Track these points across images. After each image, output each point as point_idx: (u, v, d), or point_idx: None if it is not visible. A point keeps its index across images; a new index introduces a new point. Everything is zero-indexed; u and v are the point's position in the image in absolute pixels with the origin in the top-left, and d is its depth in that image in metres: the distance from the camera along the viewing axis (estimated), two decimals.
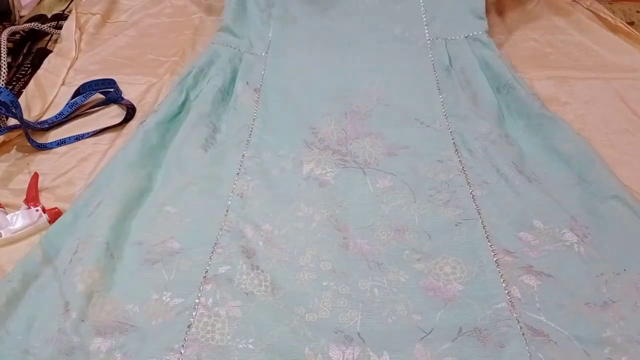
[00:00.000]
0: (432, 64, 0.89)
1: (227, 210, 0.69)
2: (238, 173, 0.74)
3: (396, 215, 0.68)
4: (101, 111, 0.88)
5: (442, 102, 0.83)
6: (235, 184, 0.73)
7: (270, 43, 0.96)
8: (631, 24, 0.99)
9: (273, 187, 0.72)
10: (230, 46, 0.94)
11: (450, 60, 0.88)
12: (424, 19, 0.94)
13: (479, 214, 0.67)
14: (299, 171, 0.74)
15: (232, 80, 0.89)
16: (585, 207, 0.66)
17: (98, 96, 0.89)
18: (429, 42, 0.92)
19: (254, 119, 0.82)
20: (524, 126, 0.78)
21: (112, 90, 0.89)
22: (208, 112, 0.82)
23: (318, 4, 0.99)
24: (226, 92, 0.87)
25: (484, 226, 0.65)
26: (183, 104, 0.84)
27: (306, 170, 0.74)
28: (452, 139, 0.77)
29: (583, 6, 1.00)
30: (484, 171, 0.72)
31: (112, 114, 0.88)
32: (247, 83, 0.88)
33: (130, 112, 0.86)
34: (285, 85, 0.88)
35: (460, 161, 0.74)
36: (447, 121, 0.80)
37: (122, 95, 0.89)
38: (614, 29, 0.95)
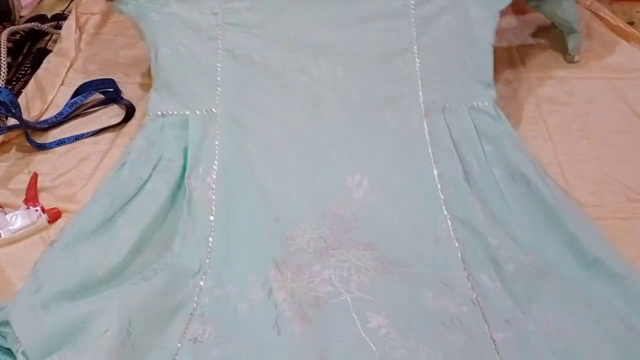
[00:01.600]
0: (428, 141, 0.70)
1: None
2: (192, 315, 0.57)
3: None
4: (101, 111, 0.88)
5: (442, 197, 0.65)
6: (187, 327, 0.56)
7: (219, 91, 0.74)
8: (631, 24, 0.99)
9: (239, 332, 0.56)
10: (170, 112, 0.74)
11: (451, 137, 0.70)
12: (419, 81, 0.74)
13: None
14: (270, 306, 0.56)
15: (184, 166, 0.70)
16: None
17: (98, 96, 0.89)
18: (422, 104, 0.72)
19: (212, 229, 0.64)
20: (549, 239, 0.62)
21: (111, 90, 0.89)
22: (151, 228, 0.64)
23: (287, 42, 0.77)
24: (177, 188, 0.69)
25: None
26: (109, 218, 0.64)
27: (279, 304, 0.56)
28: (459, 252, 0.61)
29: (583, 6, 1.00)
30: (503, 304, 0.57)
31: (112, 113, 0.87)
32: (200, 173, 0.69)
33: (130, 111, 0.86)
34: (248, 172, 0.69)
35: (472, 287, 0.58)
36: (450, 226, 0.63)
37: (122, 95, 0.89)
38: (614, 29, 0.95)
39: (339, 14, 0.77)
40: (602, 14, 0.98)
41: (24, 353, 0.52)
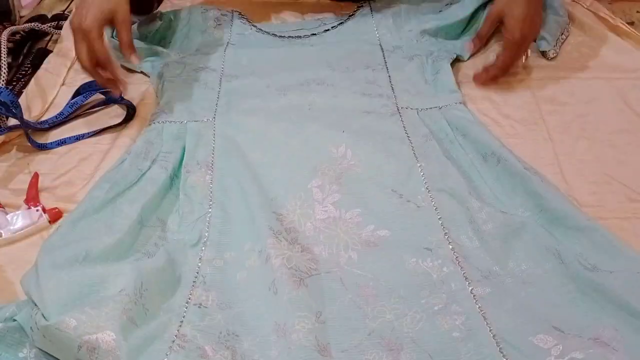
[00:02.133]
0: (404, 129, 0.76)
1: (181, 322, 0.57)
2: (194, 283, 0.61)
3: (386, 331, 0.56)
4: (101, 111, 0.88)
5: (421, 172, 0.70)
6: (191, 294, 0.60)
7: (217, 105, 0.83)
8: (631, 24, 0.99)
9: (239, 297, 0.60)
10: (172, 121, 0.80)
11: (427, 127, 0.77)
12: (393, 92, 0.83)
13: (485, 319, 0.55)
14: (267, 271, 0.60)
15: (181, 160, 0.75)
16: (610, 304, 0.55)
17: (98, 96, 0.89)
18: (400, 110, 0.80)
19: (210, 206, 0.68)
20: (521, 203, 0.67)
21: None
22: (151, 206, 0.68)
23: (270, 64, 0.90)
24: (175, 176, 0.73)
25: (493, 335, 0.54)
26: (110, 200, 0.67)
27: (275, 269, 0.60)
28: (439, 218, 0.65)
29: (583, 6, 1.00)
30: (482, 262, 0.61)
31: (113, 114, 0.87)
32: (197, 162, 0.74)
33: (131, 112, 0.86)
34: (241, 157, 0.74)
35: (452, 249, 0.62)
36: (429, 195, 0.68)
37: (122, 96, 0.89)
38: (614, 29, 0.95)
39: (324, 59, 0.90)
40: (601, 14, 0.98)
41: (43, 315, 0.53)
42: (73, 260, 0.58)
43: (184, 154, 0.75)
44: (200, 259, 0.63)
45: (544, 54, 0.90)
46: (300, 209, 0.67)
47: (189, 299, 0.59)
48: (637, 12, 1.05)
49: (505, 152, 0.71)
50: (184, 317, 0.57)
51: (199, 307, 0.58)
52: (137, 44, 0.92)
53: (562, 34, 0.92)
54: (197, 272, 0.62)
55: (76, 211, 0.66)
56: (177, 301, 0.59)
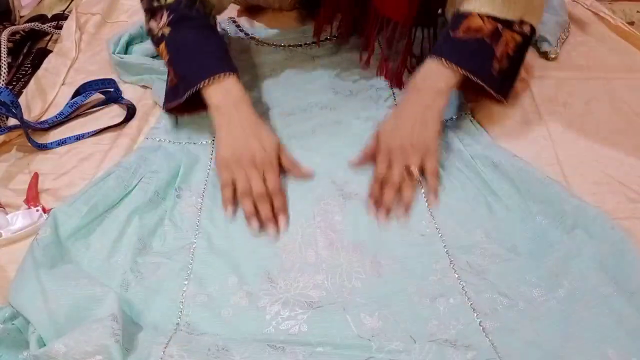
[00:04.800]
0: None
1: (167, 343, 0.55)
2: (178, 323, 0.59)
3: (393, 359, 0.54)
4: (101, 111, 0.88)
5: (425, 199, 0.69)
6: (174, 331, 0.58)
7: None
8: (631, 24, 0.99)
9: (225, 333, 0.58)
10: (170, 141, 0.79)
11: None
12: (395, 102, 0.83)
13: (497, 353, 0.54)
14: (259, 314, 0.59)
15: (171, 181, 0.73)
16: (626, 330, 0.54)
17: (98, 96, 0.89)
18: None
19: (195, 236, 0.67)
20: (538, 211, 0.65)
21: (112, 90, 0.89)
22: (133, 224, 0.67)
23: (272, 84, 0.89)
24: (161, 198, 0.71)
25: None
26: (95, 215, 0.67)
27: (269, 315, 0.59)
28: (444, 246, 0.64)
29: (583, 6, 1.00)
30: (489, 292, 0.59)
31: (112, 113, 0.87)
32: (190, 189, 0.73)
33: (131, 111, 0.86)
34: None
35: (458, 278, 0.61)
36: (434, 222, 0.67)
37: (122, 95, 0.89)
38: (614, 29, 0.95)
39: (328, 82, 0.88)
40: (602, 14, 0.98)
41: (38, 340, 0.54)
42: (61, 279, 0.58)
43: (172, 176, 0.73)
44: (183, 294, 0.61)
45: (545, 54, 0.90)
46: (302, 237, 0.67)
47: (174, 331, 0.58)
48: (637, 12, 1.05)
49: (518, 161, 0.70)
50: (170, 338, 0.56)
51: (185, 333, 0.57)
52: (139, 59, 0.92)
53: (562, 33, 0.93)
54: (181, 311, 0.60)
55: (52, 232, 0.64)
56: (162, 333, 0.57)
